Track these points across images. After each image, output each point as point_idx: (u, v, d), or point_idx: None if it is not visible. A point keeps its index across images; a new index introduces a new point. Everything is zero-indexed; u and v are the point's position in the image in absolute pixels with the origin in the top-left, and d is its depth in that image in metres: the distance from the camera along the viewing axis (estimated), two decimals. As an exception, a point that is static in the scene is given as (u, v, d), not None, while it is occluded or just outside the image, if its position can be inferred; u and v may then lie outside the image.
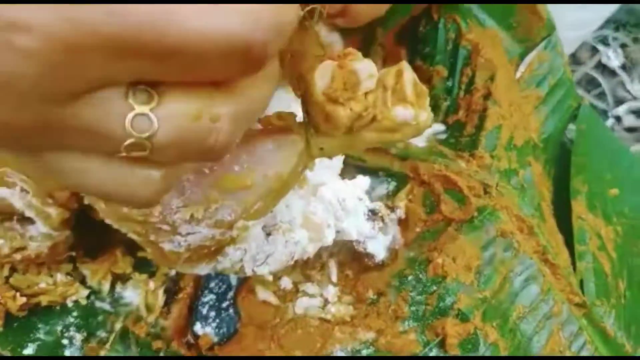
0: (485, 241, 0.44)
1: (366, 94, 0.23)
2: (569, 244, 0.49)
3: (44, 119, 0.16)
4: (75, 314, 0.43)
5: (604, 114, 1.23)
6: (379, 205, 0.46)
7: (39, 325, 0.42)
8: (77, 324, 0.43)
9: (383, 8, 0.22)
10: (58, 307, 0.43)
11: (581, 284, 0.47)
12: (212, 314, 0.45)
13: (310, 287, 0.46)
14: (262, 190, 0.28)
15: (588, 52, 1.28)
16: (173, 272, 0.46)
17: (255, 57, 0.17)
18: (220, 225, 0.30)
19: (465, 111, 0.49)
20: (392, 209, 0.47)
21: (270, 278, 0.46)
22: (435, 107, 0.51)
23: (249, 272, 0.37)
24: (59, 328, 0.43)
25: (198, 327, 0.44)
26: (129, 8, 0.15)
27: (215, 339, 0.44)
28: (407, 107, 0.24)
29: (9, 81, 0.15)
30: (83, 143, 0.18)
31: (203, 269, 0.36)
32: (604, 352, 0.45)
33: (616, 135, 1.20)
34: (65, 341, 0.42)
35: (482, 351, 0.41)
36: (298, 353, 0.43)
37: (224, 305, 0.45)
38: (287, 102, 0.34)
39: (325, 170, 0.42)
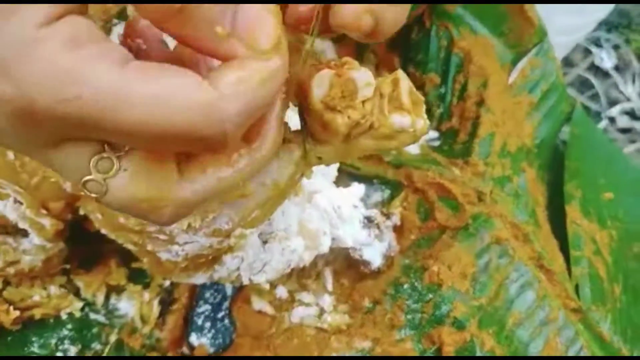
0: (480, 248, 0.44)
1: (364, 102, 0.23)
2: (564, 249, 0.49)
3: (28, 153, 0.19)
4: (69, 326, 0.43)
5: (598, 115, 1.23)
6: (374, 213, 0.46)
7: (33, 339, 0.42)
8: (72, 336, 0.43)
9: (406, 12, 0.22)
10: (52, 320, 0.43)
11: (577, 289, 0.47)
12: (208, 324, 0.44)
13: (306, 296, 0.46)
14: (259, 199, 0.28)
15: (581, 54, 1.28)
16: (168, 283, 0.46)
17: (218, 146, 0.18)
18: (217, 234, 0.30)
19: (458, 118, 0.50)
20: (387, 215, 0.47)
21: (267, 286, 0.46)
22: (428, 115, 0.51)
23: (245, 281, 0.37)
24: (53, 341, 0.42)
25: (194, 338, 0.44)
26: (84, 91, 0.16)
27: (211, 350, 0.44)
28: (404, 115, 0.24)
29: None
30: None
31: (200, 278, 0.36)
32: (600, 357, 0.45)
33: (610, 136, 1.21)
34: (59, 354, 0.42)
35: None
36: (294, 363, 0.42)
37: (220, 315, 0.45)
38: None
39: (320, 178, 0.42)
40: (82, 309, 0.44)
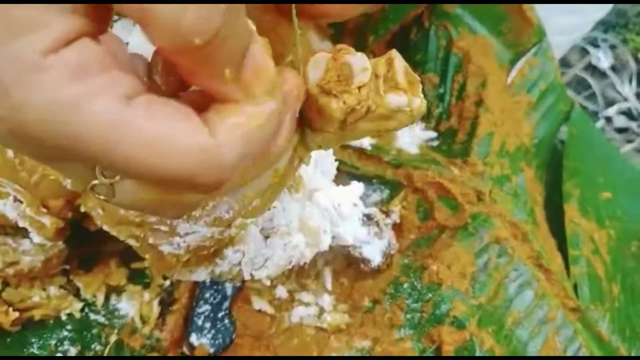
0: (480, 248, 0.44)
1: (359, 87, 0.23)
2: (563, 248, 0.49)
3: (36, 161, 0.20)
4: (69, 327, 0.43)
5: (595, 115, 1.24)
6: (374, 210, 0.46)
7: (32, 340, 0.42)
8: (71, 337, 0.43)
9: None
10: (52, 321, 0.43)
11: (575, 288, 0.47)
12: (208, 324, 0.44)
13: (305, 296, 0.46)
14: (259, 186, 0.28)
15: (578, 54, 1.29)
16: (168, 283, 0.46)
17: (211, 190, 0.18)
18: (218, 223, 0.30)
19: (457, 118, 0.50)
20: (387, 213, 0.47)
21: (268, 283, 0.46)
22: (427, 115, 0.51)
23: (247, 276, 0.37)
24: (53, 342, 0.42)
25: (194, 338, 0.44)
26: (80, 126, 0.16)
27: (211, 350, 0.44)
28: (400, 94, 0.24)
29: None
30: None
31: (201, 274, 0.36)
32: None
33: (607, 136, 1.21)
34: (59, 355, 0.42)
35: (478, 358, 0.41)
36: (294, 363, 0.43)
37: (220, 315, 0.45)
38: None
39: (320, 177, 0.42)
40: (82, 310, 0.44)
